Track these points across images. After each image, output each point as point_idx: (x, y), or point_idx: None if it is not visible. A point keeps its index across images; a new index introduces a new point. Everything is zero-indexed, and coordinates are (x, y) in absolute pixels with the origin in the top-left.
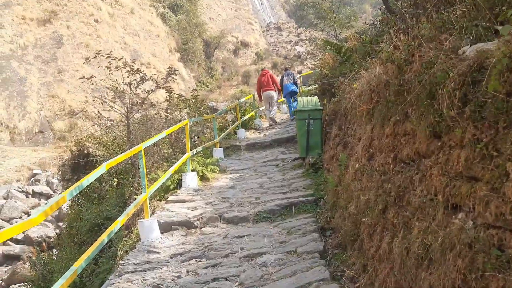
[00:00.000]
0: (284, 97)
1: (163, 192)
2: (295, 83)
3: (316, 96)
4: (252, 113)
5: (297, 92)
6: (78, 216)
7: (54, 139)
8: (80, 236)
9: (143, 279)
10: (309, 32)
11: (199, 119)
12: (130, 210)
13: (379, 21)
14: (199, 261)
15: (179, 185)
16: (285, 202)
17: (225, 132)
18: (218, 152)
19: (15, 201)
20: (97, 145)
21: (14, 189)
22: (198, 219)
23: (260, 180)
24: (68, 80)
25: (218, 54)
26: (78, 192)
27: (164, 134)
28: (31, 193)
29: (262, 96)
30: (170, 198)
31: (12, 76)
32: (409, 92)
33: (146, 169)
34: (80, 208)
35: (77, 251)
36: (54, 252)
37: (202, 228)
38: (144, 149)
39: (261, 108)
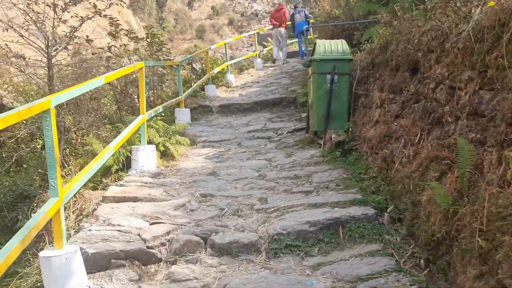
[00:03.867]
0: (296, 36)
1: (99, 176)
2: (307, 22)
3: (343, 40)
4: (223, 66)
5: (308, 30)
6: None
7: None
8: None
9: None
10: None
11: (160, 63)
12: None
13: None
14: None
15: (127, 164)
16: (322, 215)
17: (192, 88)
18: (183, 115)
19: None
20: (15, 94)
21: None
22: (162, 244)
23: (255, 163)
24: None
25: (171, 4)
26: None
27: (101, 81)
28: None
29: (272, 32)
30: (111, 190)
31: None
32: None
33: (64, 140)
34: None
35: None
36: None
37: (171, 264)
38: (55, 107)
39: (232, 61)
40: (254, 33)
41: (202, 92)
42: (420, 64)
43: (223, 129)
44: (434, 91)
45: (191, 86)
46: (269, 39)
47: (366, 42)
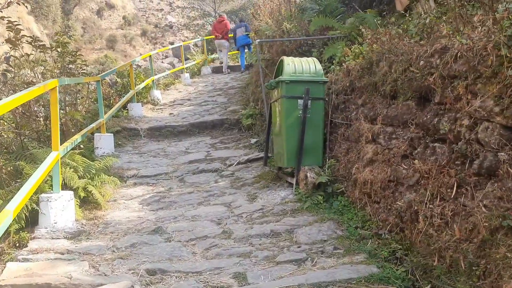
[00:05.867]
0: (238, 50)
1: None
2: (247, 35)
3: (314, 58)
4: (148, 81)
5: (251, 43)
6: None
7: None
8: None
9: None
10: (182, 2)
11: (78, 80)
12: None
13: None
14: None
15: (32, 220)
16: None
17: (114, 107)
18: (104, 142)
19: None
20: None
21: None
22: None
23: (210, 210)
24: None
25: (78, 12)
26: None
27: None
28: None
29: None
30: (9, 272)
31: None
32: None
33: None
34: None
35: None
36: None
37: None
38: None
39: (159, 75)
40: (181, 45)
41: (125, 112)
42: (435, 92)
43: (156, 159)
44: (472, 129)
45: (111, 103)
46: (193, 51)
47: (332, 60)
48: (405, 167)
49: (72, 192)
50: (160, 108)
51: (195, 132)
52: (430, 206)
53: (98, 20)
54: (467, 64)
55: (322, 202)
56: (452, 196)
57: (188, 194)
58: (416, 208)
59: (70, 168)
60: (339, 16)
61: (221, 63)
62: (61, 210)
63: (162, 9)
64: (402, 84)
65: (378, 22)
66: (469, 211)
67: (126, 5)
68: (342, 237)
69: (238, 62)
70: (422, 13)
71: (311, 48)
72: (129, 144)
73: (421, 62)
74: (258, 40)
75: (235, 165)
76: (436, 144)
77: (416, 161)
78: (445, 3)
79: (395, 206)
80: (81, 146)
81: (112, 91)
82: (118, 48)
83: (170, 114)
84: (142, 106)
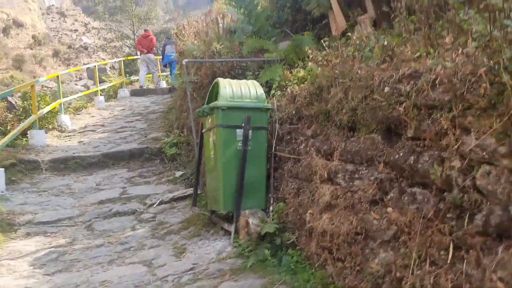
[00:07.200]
0: (165, 66)
1: None
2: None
3: (254, 81)
4: (55, 104)
5: (176, 61)
6: None
7: None
8: None
9: None
10: (98, 23)
11: None
12: None
13: None
14: None
15: None
16: None
17: (9, 136)
18: None
19: None
20: None
21: None
22: None
23: (125, 273)
24: None
25: None
26: None
27: None
28: None
29: (140, 59)
30: None
31: None
32: None
33: None
34: None
35: None
36: None
37: None
38: None
39: (69, 97)
40: (95, 65)
41: (24, 140)
42: (407, 124)
43: (59, 198)
44: (466, 174)
45: (7, 130)
46: (110, 74)
47: (269, 85)
48: (376, 216)
49: None
50: (68, 136)
51: (108, 163)
52: (418, 272)
53: (3, 39)
54: (451, 92)
55: (269, 257)
56: (448, 261)
57: (96, 248)
58: (398, 274)
59: None
60: (272, 39)
61: (141, 86)
62: None
63: (76, 30)
64: (363, 114)
65: (325, 44)
66: (478, 285)
67: (36, 24)
68: None
69: (158, 85)
70: (364, 37)
71: (245, 71)
72: (26, 180)
73: (386, 89)
74: (186, 60)
75: (156, 205)
76: (415, 189)
77: (389, 209)
78: (397, 25)
79: (368, 269)
80: None
81: (10, 116)
82: (26, 69)
83: (80, 142)
84: (47, 133)
